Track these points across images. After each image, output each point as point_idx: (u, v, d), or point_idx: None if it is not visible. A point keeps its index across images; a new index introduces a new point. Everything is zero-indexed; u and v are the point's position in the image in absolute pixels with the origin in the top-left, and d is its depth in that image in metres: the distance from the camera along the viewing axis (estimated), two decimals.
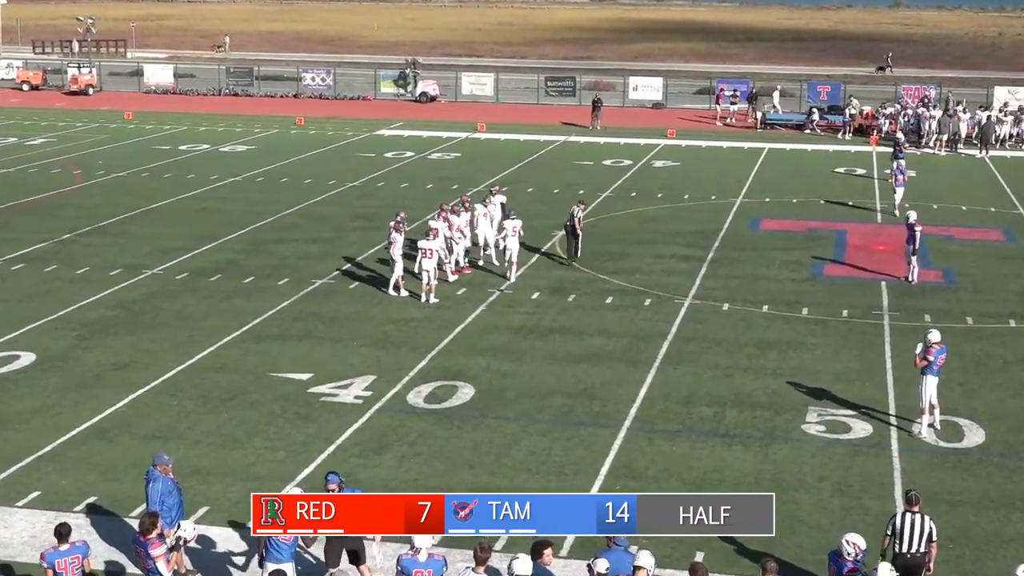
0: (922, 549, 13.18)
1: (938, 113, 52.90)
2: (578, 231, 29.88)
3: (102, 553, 14.86)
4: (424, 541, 12.09)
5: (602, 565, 11.84)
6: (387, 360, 22.29)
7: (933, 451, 18.36)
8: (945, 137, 50.84)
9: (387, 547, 14.49)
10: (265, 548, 12.87)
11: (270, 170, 43.81)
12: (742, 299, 26.70)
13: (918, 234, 27.63)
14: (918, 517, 13.24)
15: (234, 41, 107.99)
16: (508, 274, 27.89)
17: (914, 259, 27.92)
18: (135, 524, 14.56)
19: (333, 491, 13.19)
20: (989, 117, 51.59)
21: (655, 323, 24.85)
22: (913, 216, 28.57)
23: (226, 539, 15.21)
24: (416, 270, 26.30)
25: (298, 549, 13.31)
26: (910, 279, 27.94)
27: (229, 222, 34.20)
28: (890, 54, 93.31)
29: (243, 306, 25.76)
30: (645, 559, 11.77)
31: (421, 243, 26.16)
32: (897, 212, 35.38)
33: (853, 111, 55.92)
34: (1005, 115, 53.88)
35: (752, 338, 23.90)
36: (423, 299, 25.93)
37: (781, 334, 24.25)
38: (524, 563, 11.67)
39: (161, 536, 12.78)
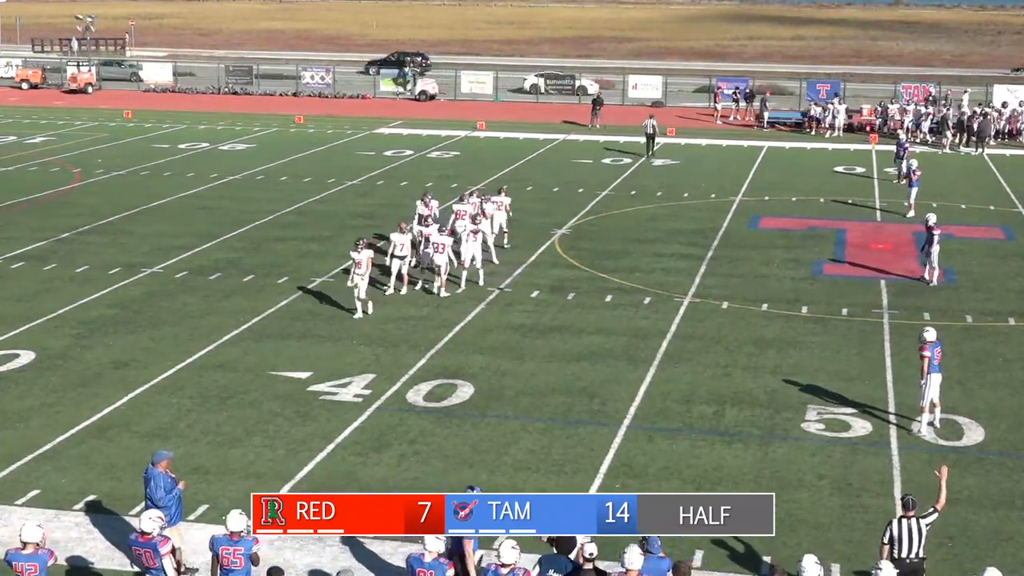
0: (921, 554, 13.18)
1: (933, 110, 52.97)
2: (656, 137, 46.08)
3: (101, 551, 14.88)
4: (433, 544, 12.04)
5: (587, 550, 11.97)
6: (386, 359, 22.30)
7: (932, 449, 18.36)
8: (948, 135, 50.78)
9: (385, 545, 14.50)
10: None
11: (269, 168, 43.81)
12: (741, 297, 26.71)
13: (936, 236, 27.34)
14: (914, 522, 13.23)
15: (233, 40, 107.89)
16: (502, 243, 30.16)
17: (932, 259, 27.62)
18: (134, 523, 14.58)
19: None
20: (986, 115, 51.53)
21: (654, 321, 24.85)
22: (933, 219, 28.11)
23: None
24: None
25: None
26: (930, 281, 27.69)
27: (228, 220, 34.20)
28: None
29: (242, 304, 25.76)
30: (635, 560, 11.76)
31: (471, 226, 27.31)
32: (912, 213, 35.14)
33: (834, 110, 55.47)
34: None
35: (751, 336, 23.91)
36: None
37: (780, 332, 24.26)
38: (508, 550, 11.81)
39: (166, 535, 12.77)
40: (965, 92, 59.98)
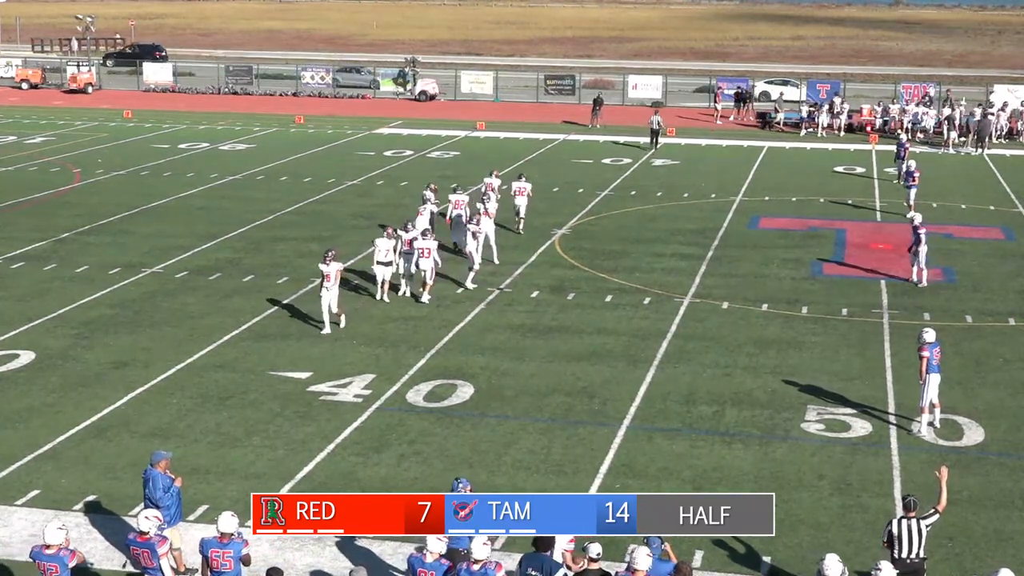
0: (921, 555, 13.18)
1: (933, 111, 52.96)
2: (661, 134, 48.75)
3: (101, 551, 14.88)
4: (435, 545, 11.99)
5: (593, 550, 11.91)
6: (386, 359, 22.29)
7: (932, 449, 18.36)
8: (953, 136, 50.74)
9: (386, 546, 14.48)
10: None
11: (269, 168, 43.81)
12: (741, 298, 26.71)
13: (922, 236, 27.37)
14: (914, 522, 13.23)
15: (233, 40, 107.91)
16: (518, 228, 32.38)
17: (920, 259, 27.60)
18: (134, 523, 14.57)
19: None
20: (986, 114, 51.51)
21: (654, 322, 24.85)
22: (918, 218, 28.32)
23: None
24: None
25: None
26: (919, 282, 27.66)
27: (228, 221, 34.20)
28: None
29: (242, 305, 25.75)
30: (642, 560, 11.70)
31: (471, 226, 27.65)
32: (912, 213, 35.16)
33: (836, 109, 55.47)
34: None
35: (751, 337, 23.90)
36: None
37: (780, 333, 24.25)
38: (479, 545, 11.73)
39: (163, 535, 12.75)
40: (991, 92, 60.11)
